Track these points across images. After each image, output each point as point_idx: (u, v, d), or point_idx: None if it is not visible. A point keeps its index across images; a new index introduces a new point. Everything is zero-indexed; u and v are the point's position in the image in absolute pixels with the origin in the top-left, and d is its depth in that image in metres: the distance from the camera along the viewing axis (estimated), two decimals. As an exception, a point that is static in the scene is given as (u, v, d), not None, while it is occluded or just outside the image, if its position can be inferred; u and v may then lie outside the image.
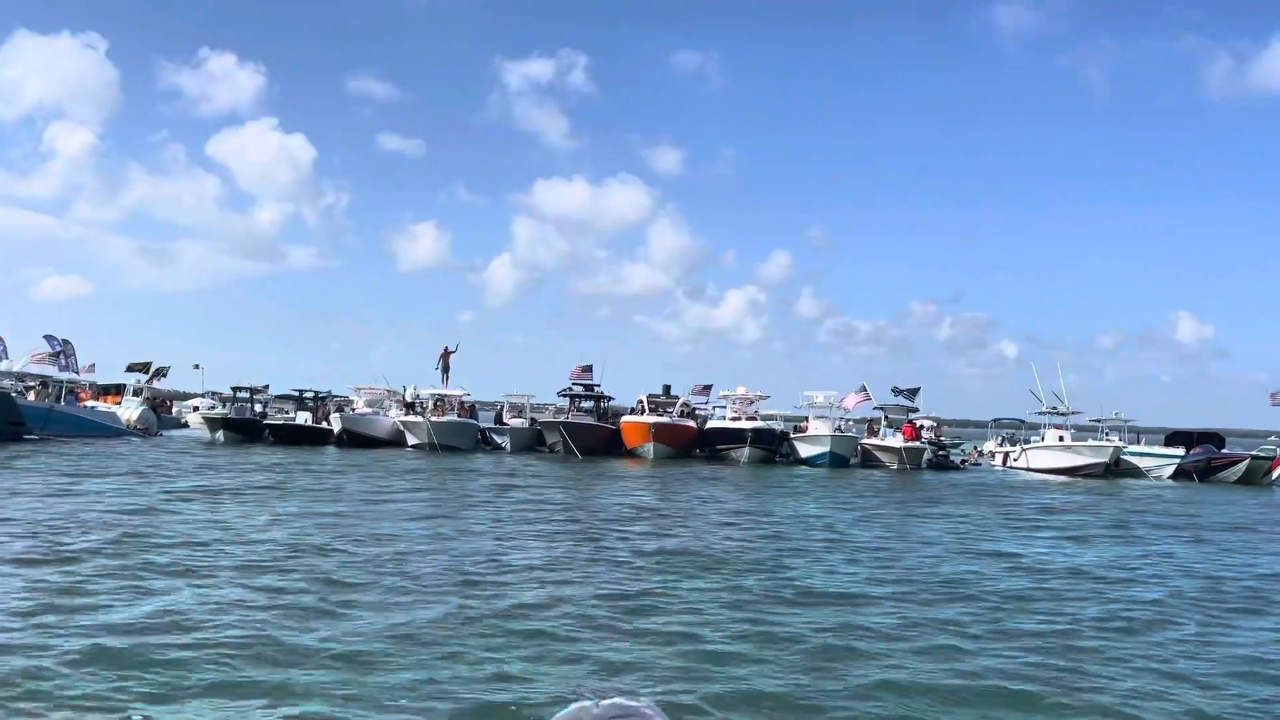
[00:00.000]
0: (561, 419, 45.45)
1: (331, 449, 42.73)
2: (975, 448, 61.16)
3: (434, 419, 43.79)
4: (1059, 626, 11.84)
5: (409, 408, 45.90)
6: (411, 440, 44.28)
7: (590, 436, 44.60)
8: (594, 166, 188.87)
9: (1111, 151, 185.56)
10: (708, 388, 51.37)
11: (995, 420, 61.45)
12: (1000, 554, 18.27)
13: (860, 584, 14.25)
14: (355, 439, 44.28)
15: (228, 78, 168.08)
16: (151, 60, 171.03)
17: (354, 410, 46.72)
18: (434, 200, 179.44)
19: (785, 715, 8.27)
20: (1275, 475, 44.31)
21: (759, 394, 48.34)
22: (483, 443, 46.93)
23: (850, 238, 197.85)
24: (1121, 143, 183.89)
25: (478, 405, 52.56)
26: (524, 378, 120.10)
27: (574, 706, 1.35)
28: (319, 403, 47.50)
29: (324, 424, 45.48)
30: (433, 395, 46.41)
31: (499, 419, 49.01)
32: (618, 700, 1.34)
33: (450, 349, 48.19)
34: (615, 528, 19.54)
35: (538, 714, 8.00)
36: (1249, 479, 44.14)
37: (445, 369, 47.68)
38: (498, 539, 17.38)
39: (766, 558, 16.53)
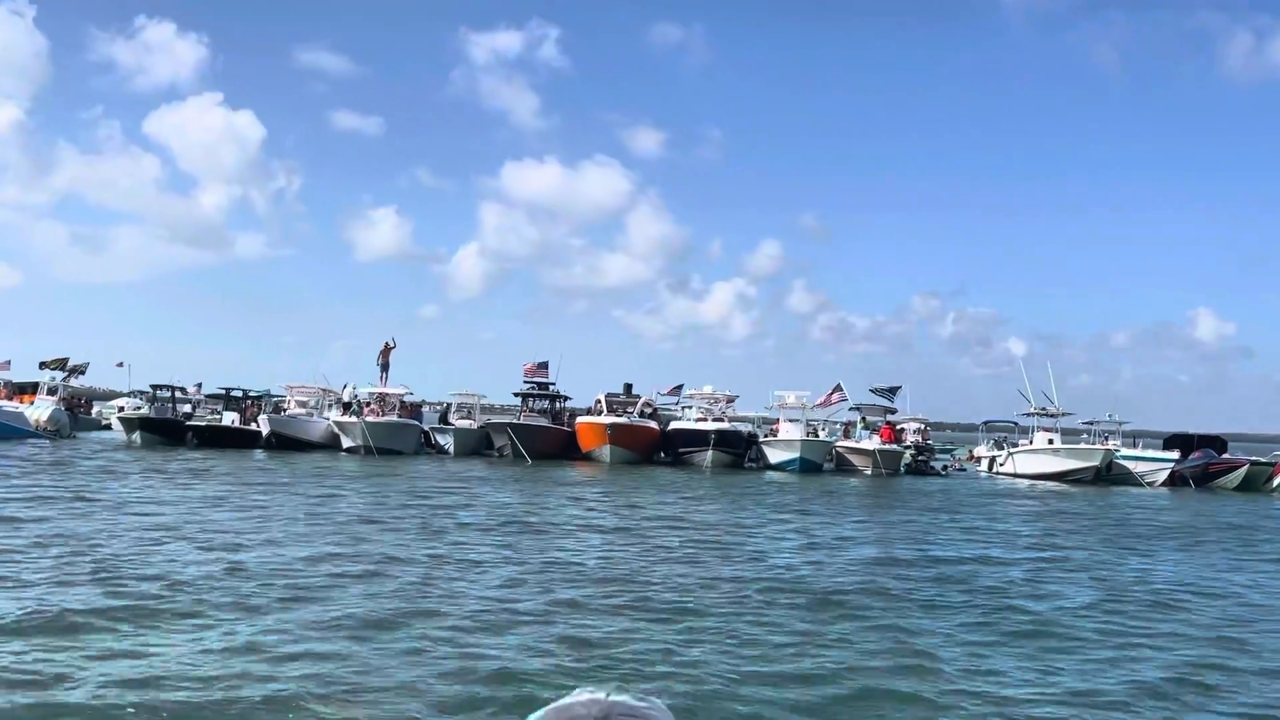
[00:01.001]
0: (511, 420, 42.02)
1: (259, 453, 39.15)
2: (970, 451, 58.09)
3: (369, 420, 40.16)
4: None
5: (346, 408, 42.26)
6: (347, 443, 40.63)
7: (542, 439, 41.12)
8: (568, 148, 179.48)
9: (1125, 135, 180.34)
10: (678, 388, 47.95)
11: (986, 423, 58.47)
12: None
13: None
14: (285, 442, 40.61)
15: (166, 49, 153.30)
16: (83, 29, 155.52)
17: (285, 411, 43.04)
18: (394, 184, 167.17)
19: None
20: (1277, 483, 41.38)
21: (727, 394, 45.04)
22: (427, 445, 43.41)
23: (845, 226, 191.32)
24: (1135, 126, 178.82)
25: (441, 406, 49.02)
26: (492, 376, 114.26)
27: (583, 695, 1.28)
28: (248, 403, 43.72)
29: (253, 425, 41.74)
30: (371, 394, 42.80)
31: (444, 419, 45.41)
32: (626, 698, 1.27)
33: (391, 344, 44.59)
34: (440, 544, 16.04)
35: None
36: (1248, 486, 41.21)
37: (385, 366, 44.08)
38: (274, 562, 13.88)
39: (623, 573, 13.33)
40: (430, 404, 50.57)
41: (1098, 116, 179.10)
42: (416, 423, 43.49)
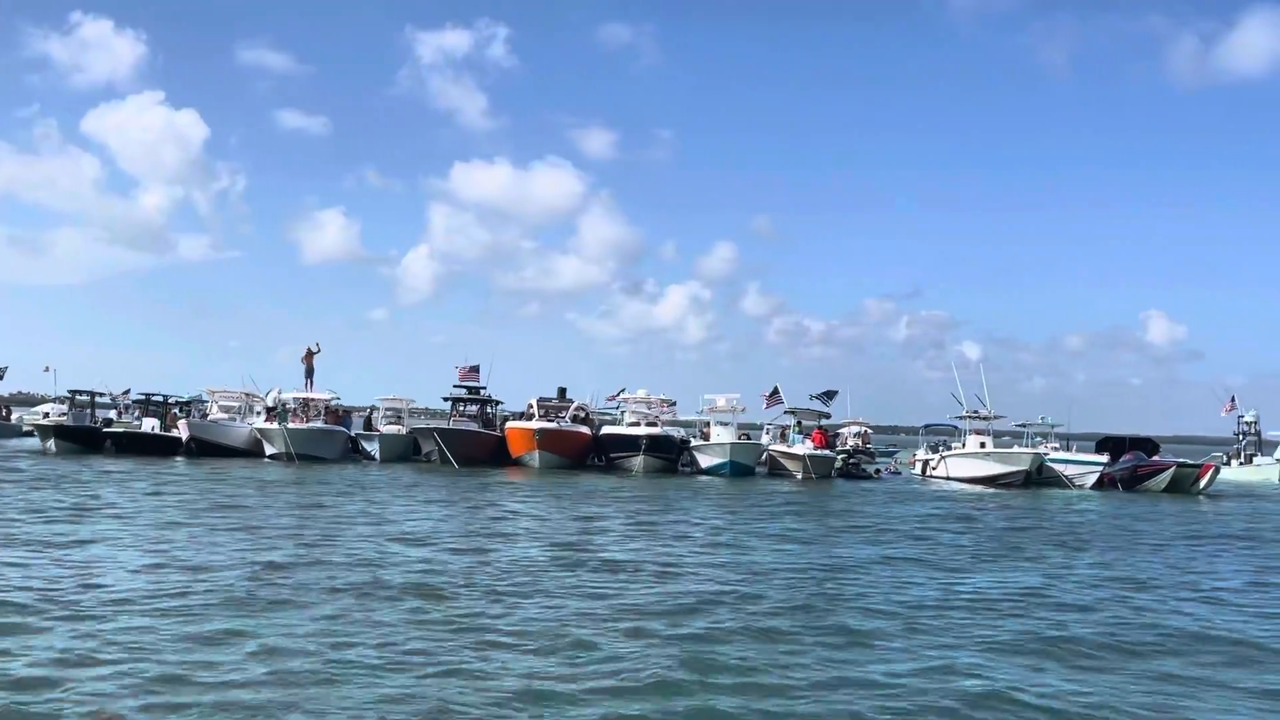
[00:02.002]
0: (438, 425, 41.42)
1: (179, 460, 38.26)
2: (913, 455, 58.09)
3: (291, 426, 39.39)
4: None
5: (269, 413, 41.44)
6: (269, 449, 39.83)
7: (470, 444, 40.55)
8: (518, 149, 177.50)
9: (1075, 138, 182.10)
10: (620, 392, 47.51)
11: (926, 426, 58.33)
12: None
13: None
14: (206, 448, 39.73)
15: (104, 46, 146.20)
16: (16, 25, 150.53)
17: (204, 415, 42.10)
18: (341, 185, 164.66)
19: None
20: (1204, 484, 41.59)
21: (662, 398, 44.62)
22: (354, 452, 42.68)
23: (799, 228, 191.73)
24: (1085, 129, 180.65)
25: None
26: (444, 380, 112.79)
27: None
28: (169, 409, 42.73)
29: (173, 431, 40.80)
30: (295, 399, 42.00)
31: (369, 425, 44.66)
32: None
33: (314, 349, 43.77)
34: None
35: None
36: (1176, 488, 41.36)
37: (309, 371, 43.26)
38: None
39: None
40: (359, 410, 49.62)
41: (1048, 119, 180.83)
42: (342, 429, 42.71)
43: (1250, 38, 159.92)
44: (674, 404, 45.93)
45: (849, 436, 57.54)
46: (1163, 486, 41.53)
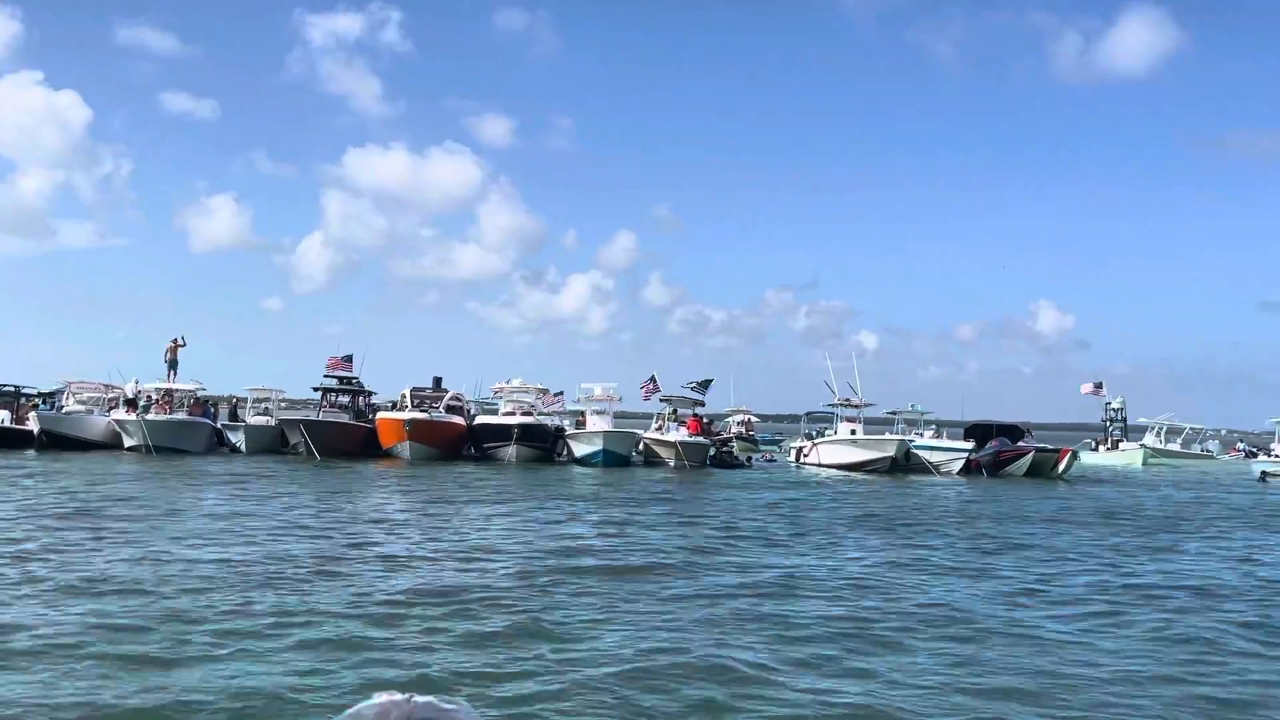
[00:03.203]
0: (304, 416, 40.73)
1: (31, 453, 36.97)
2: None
3: (150, 418, 38.28)
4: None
5: (131, 404, 40.22)
6: (128, 442, 38.69)
7: (338, 436, 39.95)
8: (414, 135, 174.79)
9: (965, 133, 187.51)
10: (543, 391, 47.15)
11: (808, 414, 59.20)
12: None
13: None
14: (60, 441, 38.43)
15: None
16: None
17: (59, 408, 40.73)
18: (231, 170, 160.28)
19: None
20: (1062, 468, 43.06)
21: (538, 386, 44.58)
22: (220, 444, 41.71)
23: (700, 218, 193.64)
24: (973, 122, 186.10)
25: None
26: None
27: (382, 699, 1.24)
28: (20, 401, 41.23)
29: (26, 424, 39.39)
30: (157, 390, 40.85)
31: (234, 416, 43.69)
32: (431, 700, 1.24)
33: (179, 341, 42.56)
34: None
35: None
36: (1036, 472, 42.76)
37: (173, 364, 42.03)
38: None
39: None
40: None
41: (937, 111, 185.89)
42: (206, 421, 41.66)
43: (1129, 35, 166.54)
44: (561, 394, 45.97)
45: (733, 424, 58.43)
46: (1024, 471, 42.87)
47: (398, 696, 1.24)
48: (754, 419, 61.44)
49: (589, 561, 15.75)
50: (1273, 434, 57.04)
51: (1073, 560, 17.57)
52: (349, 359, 43.80)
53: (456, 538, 18.10)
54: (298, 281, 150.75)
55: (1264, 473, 51.74)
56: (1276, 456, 53.71)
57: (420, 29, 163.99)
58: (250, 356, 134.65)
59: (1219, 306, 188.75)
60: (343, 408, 43.00)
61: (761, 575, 15.01)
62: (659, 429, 44.13)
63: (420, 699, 1.23)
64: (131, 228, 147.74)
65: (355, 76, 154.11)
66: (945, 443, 44.55)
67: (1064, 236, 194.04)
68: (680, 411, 44.36)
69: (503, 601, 12.23)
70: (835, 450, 44.51)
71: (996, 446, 44.71)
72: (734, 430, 56.33)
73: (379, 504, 24.11)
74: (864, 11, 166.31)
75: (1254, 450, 58.58)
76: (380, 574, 14.05)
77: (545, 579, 13.81)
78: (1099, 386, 59.85)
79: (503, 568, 14.83)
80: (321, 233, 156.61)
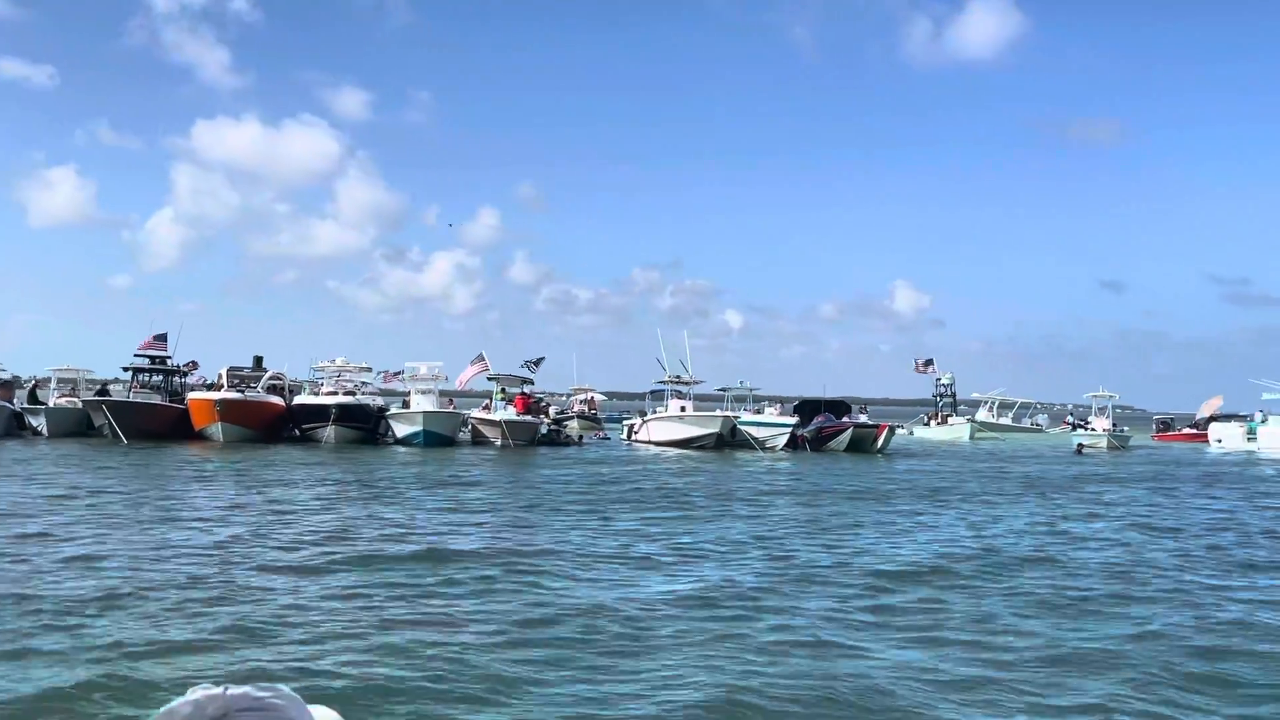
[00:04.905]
0: (108, 398, 39.14)
1: None
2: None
3: (-67, 401, 36.38)
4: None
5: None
6: (-87, 428, 36.71)
7: (144, 417, 38.52)
8: (266, 107, 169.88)
9: (822, 113, 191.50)
10: (367, 370, 46.19)
11: (651, 391, 59.65)
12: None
13: None
14: None
15: None
16: None
17: None
18: (71, 141, 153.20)
19: None
20: (880, 443, 44.33)
21: (361, 365, 43.83)
22: (20, 428, 39.84)
23: (565, 196, 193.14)
24: (830, 104, 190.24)
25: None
26: (195, 351, 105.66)
27: (198, 694, 1.20)
28: None
29: None
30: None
31: (33, 398, 41.78)
32: (247, 689, 1.20)
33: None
34: None
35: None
36: (857, 447, 43.99)
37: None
38: None
39: None
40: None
41: (795, 93, 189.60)
42: (7, 404, 39.73)
43: (976, 21, 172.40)
44: (401, 373, 45.28)
45: (576, 403, 58.57)
46: (844, 446, 44.10)
47: (214, 690, 1.19)
48: (598, 397, 61.60)
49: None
50: (1091, 408, 59.94)
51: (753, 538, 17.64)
52: (162, 338, 42.23)
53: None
54: (148, 259, 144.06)
55: (1080, 444, 54.48)
56: (1093, 429, 56.49)
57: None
58: (98, 336, 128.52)
59: (1064, 286, 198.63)
60: (155, 388, 41.48)
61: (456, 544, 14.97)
62: (486, 408, 43.87)
63: (235, 690, 1.19)
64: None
65: (202, 45, 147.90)
66: (770, 419, 45.43)
67: (920, 218, 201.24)
68: (508, 390, 44.16)
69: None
70: (664, 427, 45.00)
71: (821, 422, 45.85)
72: (577, 409, 56.48)
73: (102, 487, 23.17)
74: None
75: (1080, 424, 61.40)
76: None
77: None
78: (929, 363, 61.96)
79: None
80: (171, 208, 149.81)
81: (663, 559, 14.79)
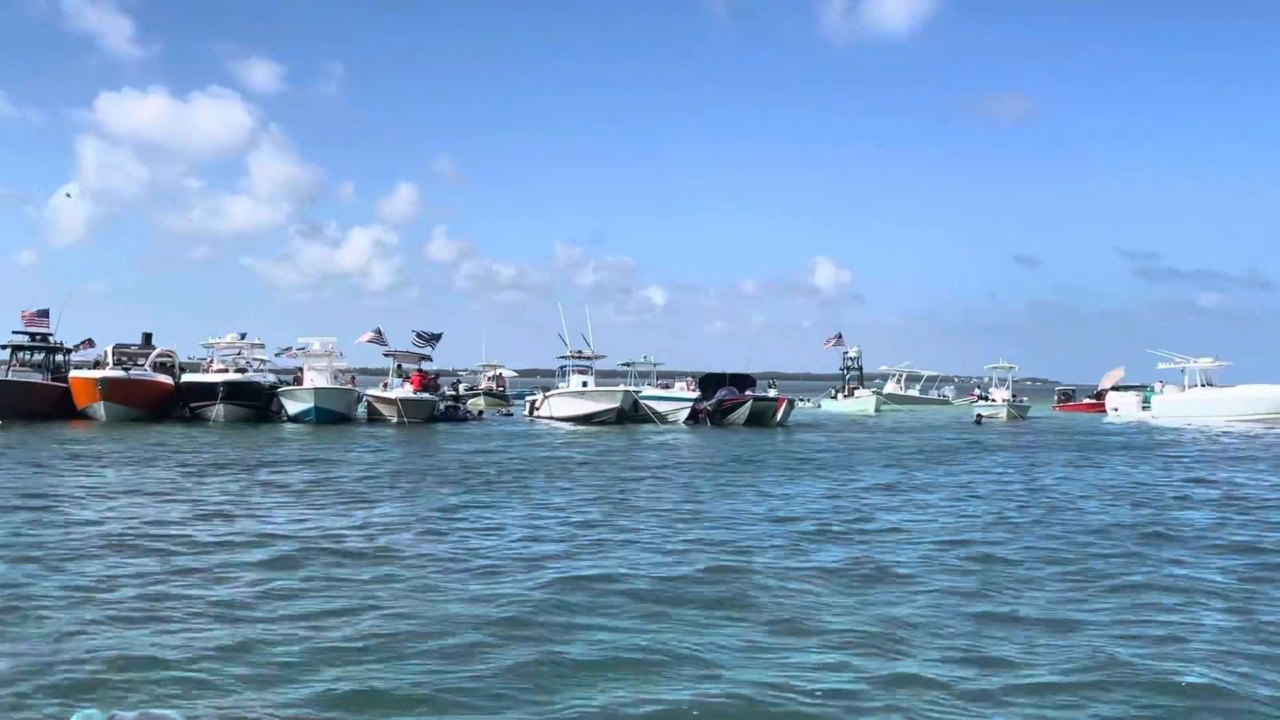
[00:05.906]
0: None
1: None
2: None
3: None
4: None
5: None
6: None
7: (22, 396, 37.34)
8: (174, 78, 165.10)
9: (738, 91, 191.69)
10: (259, 345, 45.18)
11: (561, 368, 59.50)
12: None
13: None
14: None
15: None
16: None
17: None
18: None
19: None
20: (779, 416, 44.70)
21: (253, 341, 43.02)
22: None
23: (483, 171, 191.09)
24: (747, 78, 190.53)
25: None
26: (109, 329, 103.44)
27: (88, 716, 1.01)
28: None
29: None
30: None
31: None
32: (132, 716, 1.17)
33: None
34: None
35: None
36: (757, 421, 44.30)
37: None
38: None
39: None
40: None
41: (712, 68, 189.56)
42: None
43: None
44: (262, 346, 44.54)
45: (484, 379, 58.25)
46: (744, 420, 44.38)
47: (95, 715, 1.07)
48: (508, 374, 61.30)
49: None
50: (991, 379, 61.20)
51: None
52: (44, 314, 40.97)
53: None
54: (54, 235, 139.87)
55: (979, 415, 55.63)
56: (992, 400, 57.71)
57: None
58: (3, 313, 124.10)
59: (978, 260, 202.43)
60: (35, 366, 40.28)
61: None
62: (384, 385, 43.39)
63: (125, 715, 1.11)
64: None
65: (103, 14, 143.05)
66: (671, 393, 45.62)
67: (839, 194, 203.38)
68: (404, 366, 43.71)
69: None
70: (565, 403, 44.91)
71: (722, 395, 46.14)
72: (484, 385, 56.19)
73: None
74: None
75: (984, 395, 62.70)
76: None
77: None
78: (839, 338, 62.76)
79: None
80: (77, 183, 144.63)
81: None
